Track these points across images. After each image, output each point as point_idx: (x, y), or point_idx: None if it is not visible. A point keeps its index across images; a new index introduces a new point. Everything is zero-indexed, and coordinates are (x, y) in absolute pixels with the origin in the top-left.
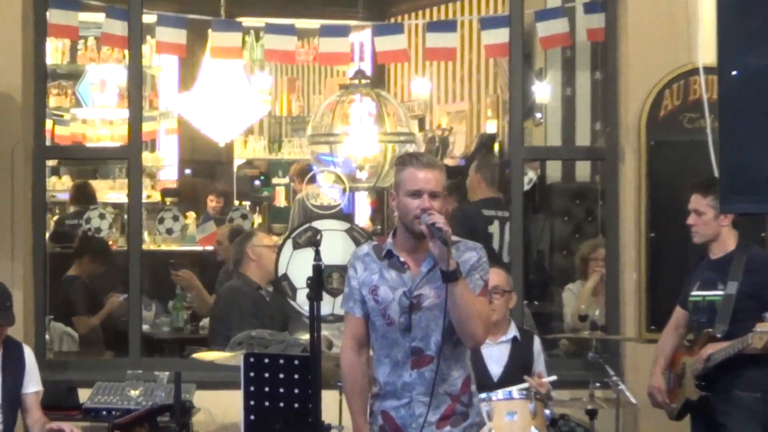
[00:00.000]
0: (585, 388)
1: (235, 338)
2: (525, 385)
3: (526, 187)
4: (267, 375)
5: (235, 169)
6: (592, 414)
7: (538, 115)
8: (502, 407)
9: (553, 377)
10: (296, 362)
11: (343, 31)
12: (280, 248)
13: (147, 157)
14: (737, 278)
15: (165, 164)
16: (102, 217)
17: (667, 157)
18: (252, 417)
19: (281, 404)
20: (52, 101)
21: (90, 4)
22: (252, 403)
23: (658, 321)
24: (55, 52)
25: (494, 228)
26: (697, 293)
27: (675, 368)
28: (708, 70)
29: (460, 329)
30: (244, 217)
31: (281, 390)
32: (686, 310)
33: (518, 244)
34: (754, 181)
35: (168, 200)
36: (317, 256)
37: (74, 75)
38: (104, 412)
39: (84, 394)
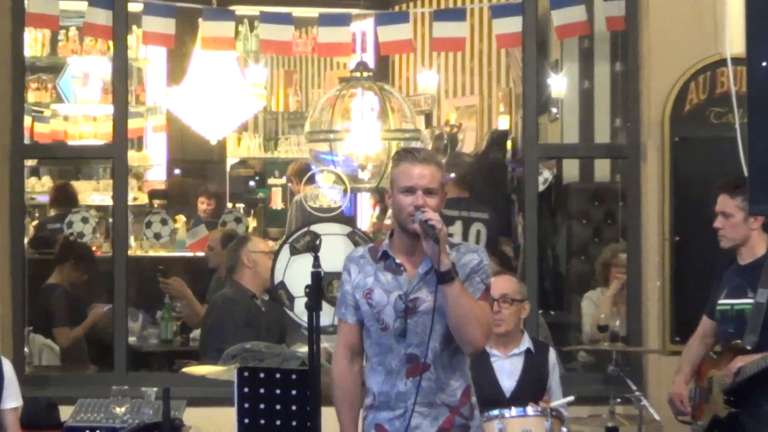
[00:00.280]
0: (605, 404)
1: (228, 351)
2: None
3: (541, 188)
4: (262, 391)
5: (228, 168)
6: None
7: (554, 110)
8: (516, 425)
9: (570, 398)
10: (294, 377)
11: (344, 20)
12: (276, 254)
13: (133, 156)
14: None
15: (153, 164)
16: (85, 220)
17: (693, 155)
18: None
19: (278, 422)
20: (31, 96)
21: None
22: (246, 421)
23: (684, 332)
24: (34, 43)
25: (456, 229)
26: (725, 302)
27: (701, 382)
28: (736, 60)
29: (456, 334)
30: (237, 220)
31: (278, 407)
32: (713, 320)
33: (533, 249)
34: None
35: (156, 202)
36: (316, 262)
37: (55, 68)
38: (87, 431)
39: (66, 412)
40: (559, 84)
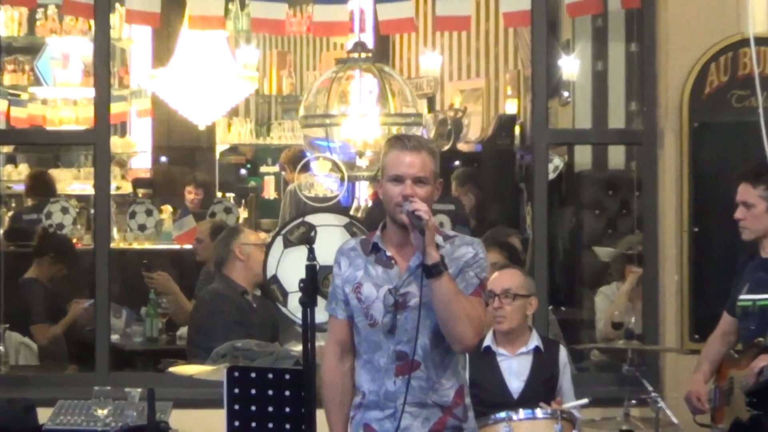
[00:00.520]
0: (619, 405)
1: (217, 350)
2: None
3: (552, 176)
4: (254, 392)
5: (217, 156)
6: None
7: (565, 93)
8: (524, 428)
9: (585, 401)
10: (287, 377)
11: None
12: (268, 246)
13: (116, 143)
14: None
15: (137, 151)
16: (64, 211)
17: (713, 141)
18: None
19: (270, 425)
20: (7, 79)
21: None
22: (236, 423)
23: (703, 329)
24: (10, 22)
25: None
26: (746, 297)
27: (721, 383)
28: (760, 40)
29: (445, 331)
30: (227, 211)
31: (270, 409)
32: (734, 316)
33: (542, 242)
34: None
35: (140, 192)
36: (311, 255)
37: (32, 49)
38: None
39: (44, 414)
40: (571, 65)
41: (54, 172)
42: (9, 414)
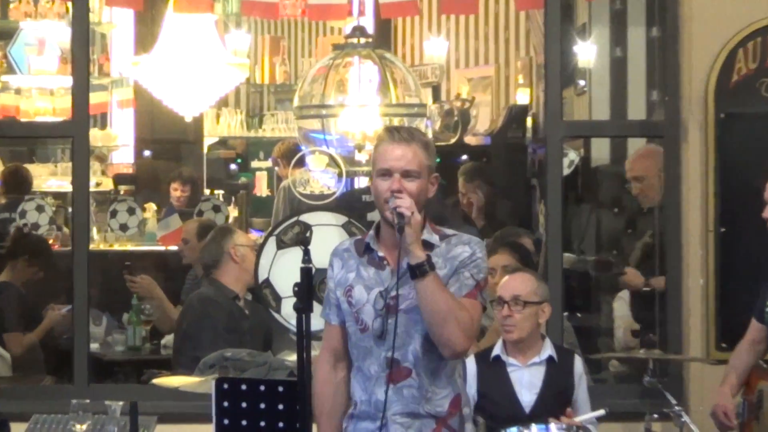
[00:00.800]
0: (640, 420)
1: (205, 359)
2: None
3: (566, 171)
4: (244, 405)
5: (205, 150)
6: None
7: (581, 82)
8: None
9: (601, 411)
10: (281, 389)
11: None
12: (260, 248)
13: (96, 136)
14: None
15: (118, 144)
16: (40, 209)
17: (741, 133)
18: None
19: None
20: None
21: None
22: None
23: (731, 337)
24: None
25: (376, 216)
26: None
27: (750, 395)
28: None
29: (433, 335)
30: (216, 209)
31: (262, 423)
32: (764, 323)
33: (556, 243)
34: None
35: (122, 189)
36: (306, 257)
37: (5, 34)
38: None
39: (18, 430)
40: (587, 52)
41: (28, 167)
42: None
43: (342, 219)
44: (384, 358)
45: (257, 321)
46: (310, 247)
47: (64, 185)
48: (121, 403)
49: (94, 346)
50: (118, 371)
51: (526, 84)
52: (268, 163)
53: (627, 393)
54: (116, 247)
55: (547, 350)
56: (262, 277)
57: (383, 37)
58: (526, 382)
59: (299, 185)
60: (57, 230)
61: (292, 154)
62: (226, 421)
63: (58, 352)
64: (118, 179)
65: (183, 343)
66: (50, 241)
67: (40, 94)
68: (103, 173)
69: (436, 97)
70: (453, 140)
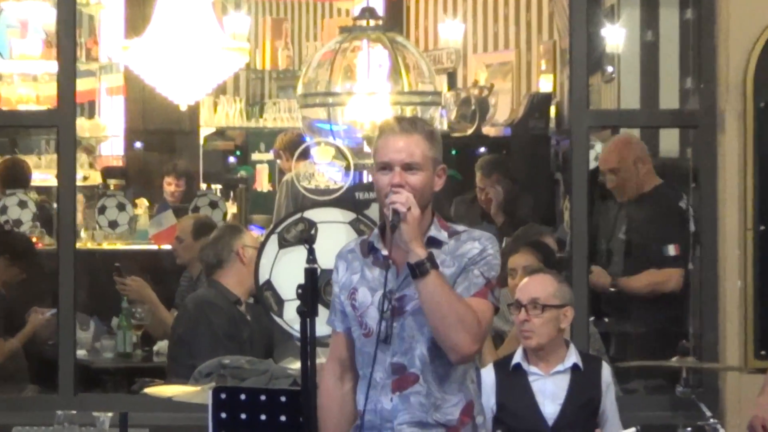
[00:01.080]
0: None
1: (201, 367)
2: None
3: (593, 165)
4: (244, 416)
5: (201, 141)
6: None
7: (609, 68)
8: None
9: (632, 430)
10: (283, 399)
11: None
12: (261, 247)
13: (83, 125)
14: None
15: (107, 134)
16: (22, 205)
17: None
18: None
19: None
20: None
21: None
22: None
23: None
24: None
25: (376, 207)
26: None
27: None
28: None
29: (437, 338)
30: (213, 205)
31: None
32: None
33: (582, 241)
34: None
35: (112, 183)
36: (311, 256)
37: None
38: None
39: None
40: (616, 36)
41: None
42: None
43: (350, 215)
44: (389, 364)
45: (259, 328)
46: (314, 246)
47: (49, 179)
48: (110, 414)
49: (80, 353)
50: (107, 380)
51: (549, 70)
52: (270, 156)
53: (658, 405)
54: (105, 246)
55: (572, 358)
56: (263, 278)
57: (394, 19)
58: (549, 392)
59: (303, 179)
60: (41, 227)
61: (295, 146)
62: None
63: (42, 360)
64: (107, 173)
65: (178, 350)
66: (34, 240)
67: (23, 80)
68: (91, 166)
69: (452, 85)
70: (470, 131)
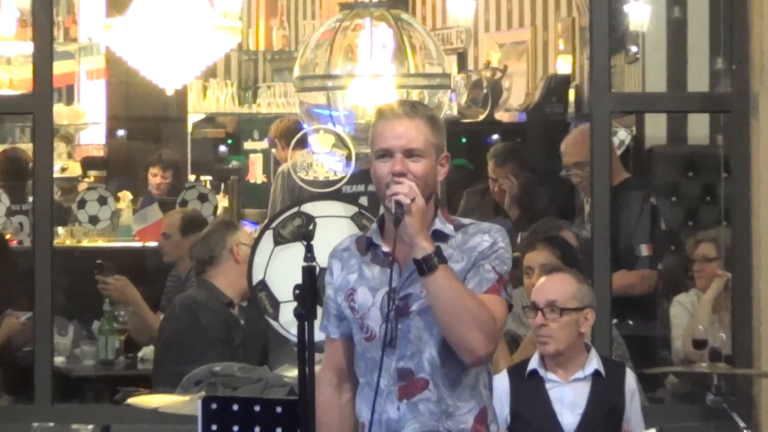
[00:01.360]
0: None
1: (190, 375)
2: None
3: (616, 153)
4: (236, 429)
5: (189, 128)
6: None
7: (633, 48)
8: None
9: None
10: (279, 409)
11: None
12: (255, 243)
13: (61, 112)
14: None
15: (87, 122)
16: None
17: None
18: None
19: None
20: None
21: None
22: None
23: None
24: None
25: (365, 200)
26: None
27: None
28: None
29: (449, 339)
30: (202, 198)
31: None
32: None
33: (604, 237)
34: None
35: (92, 174)
36: (309, 254)
37: None
38: None
39: None
40: (640, 12)
41: None
42: None
43: (351, 209)
44: (395, 369)
45: (253, 332)
46: (313, 243)
47: None
48: (90, 426)
49: (59, 360)
50: (88, 389)
51: (567, 50)
52: (264, 144)
53: (688, 414)
54: (85, 243)
55: (593, 364)
56: (256, 278)
57: None
58: (568, 400)
59: (300, 170)
60: (16, 223)
61: (291, 134)
62: None
63: (16, 367)
64: (87, 163)
65: (164, 356)
66: (7, 236)
67: None
68: (70, 156)
69: (462, 67)
70: (482, 117)
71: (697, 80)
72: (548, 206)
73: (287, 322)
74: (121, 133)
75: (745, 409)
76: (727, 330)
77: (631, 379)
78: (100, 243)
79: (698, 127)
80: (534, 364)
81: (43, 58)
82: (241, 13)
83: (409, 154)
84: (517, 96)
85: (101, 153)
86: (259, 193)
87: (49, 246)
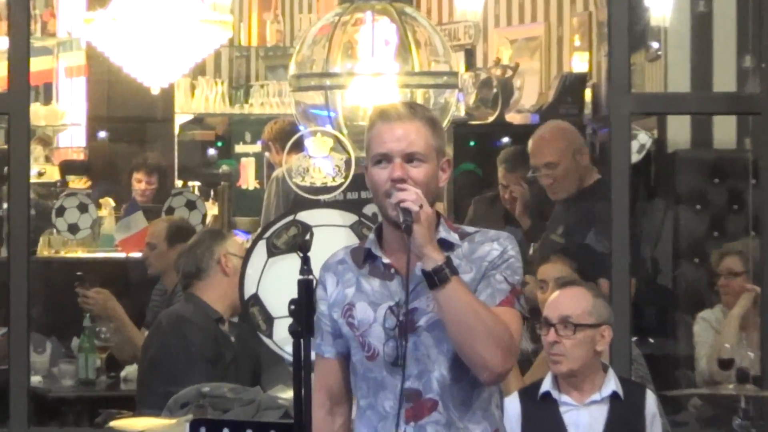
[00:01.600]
0: None
1: (177, 396)
2: None
3: (636, 158)
4: None
5: (176, 130)
6: None
7: (655, 44)
8: None
9: None
10: None
11: None
12: (247, 255)
13: (38, 112)
14: None
15: (66, 123)
16: None
17: None
18: None
19: None
20: None
21: None
22: None
23: None
24: None
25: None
26: None
27: None
28: None
29: (463, 356)
30: (190, 205)
31: None
32: None
33: (623, 248)
34: None
35: (72, 180)
36: (306, 266)
37: None
38: None
39: None
40: (662, 6)
41: None
42: None
43: (351, 218)
44: (402, 390)
45: (244, 350)
46: (309, 254)
47: None
48: None
49: (35, 380)
50: (67, 411)
51: (583, 47)
52: (257, 147)
53: None
54: (64, 254)
55: (611, 385)
56: (249, 292)
57: None
58: (584, 425)
59: (296, 175)
60: None
61: (287, 136)
62: None
63: None
64: (67, 167)
65: (149, 376)
66: None
67: None
68: (48, 160)
69: (470, 64)
70: (491, 118)
71: (724, 79)
72: None
73: (282, 339)
74: (102, 134)
75: None
76: (755, 349)
77: (651, 401)
78: (80, 254)
79: (725, 130)
80: (547, 385)
81: (18, 54)
82: (233, 6)
83: (409, 158)
84: (530, 96)
85: (81, 156)
86: (252, 201)
87: (25, 257)
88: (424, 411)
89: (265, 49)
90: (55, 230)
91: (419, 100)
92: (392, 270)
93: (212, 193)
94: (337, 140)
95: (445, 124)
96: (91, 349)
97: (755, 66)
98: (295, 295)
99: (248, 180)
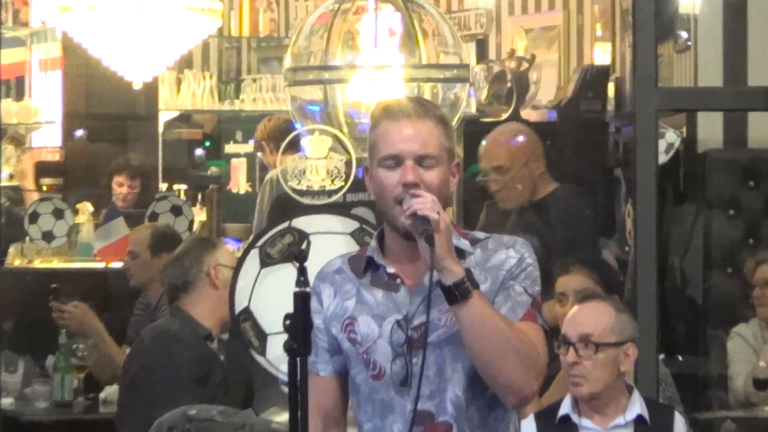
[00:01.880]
0: None
1: (161, 420)
2: None
3: (663, 159)
4: None
5: (160, 128)
6: None
7: (684, 34)
8: None
9: None
10: None
11: None
12: (238, 264)
13: (9, 109)
14: None
15: (40, 121)
16: None
17: None
18: None
19: None
20: None
21: None
22: None
23: None
24: None
25: (368, 213)
26: None
27: None
28: None
29: (486, 377)
30: (176, 211)
31: None
32: None
33: (649, 257)
34: None
35: (46, 183)
36: (302, 277)
37: None
38: None
39: None
40: None
41: None
42: None
43: (352, 225)
44: (411, 412)
45: (235, 370)
46: (306, 264)
47: None
48: None
49: (6, 402)
50: None
51: (606, 37)
52: (249, 147)
53: None
54: (38, 264)
55: (636, 408)
56: (240, 305)
57: None
58: None
59: (292, 177)
60: None
61: (281, 135)
62: None
63: None
64: (41, 169)
65: (131, 397)
66: None
67: None
68: (19, 161)
69: (482, 56)
70: (505, 115)
71: (759, 73)
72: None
73: (276, 357)
74: (80, 133)
75: None
76: None
77: (681, 424)
78: (56, 264)
79: (760, 128)
80: (566, 408)
81: None
82: None
83: (421, 160)
84: (547, 91)
85: (57, 157)
86: (243, 205)
87: None
88: None
89: (258, 40)
90: (27, 238)
91: (427, 96)
92: (398, 280)
93: (200, 197)
94: (337, 139)
95: (455, 121)
96: (67, 368)
97: None
98: (290, 308)
99: (239, 183)
